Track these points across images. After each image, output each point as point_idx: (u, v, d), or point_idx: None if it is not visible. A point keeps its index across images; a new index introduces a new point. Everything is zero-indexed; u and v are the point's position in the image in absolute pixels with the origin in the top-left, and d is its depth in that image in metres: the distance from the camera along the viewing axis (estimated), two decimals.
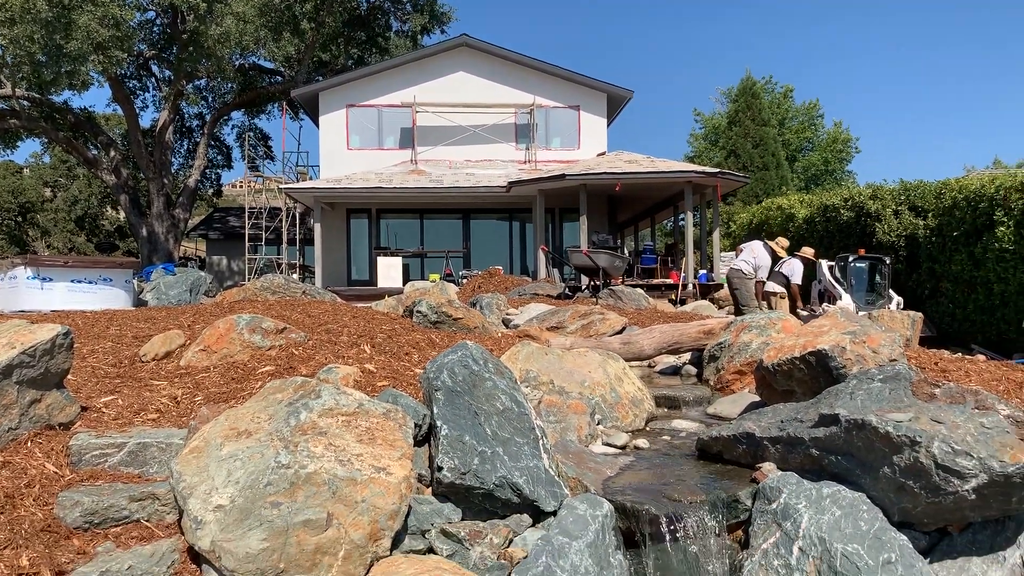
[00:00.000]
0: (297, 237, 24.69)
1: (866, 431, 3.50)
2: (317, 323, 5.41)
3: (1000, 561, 3.46)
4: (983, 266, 14.77)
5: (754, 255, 11.49)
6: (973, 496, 3.26)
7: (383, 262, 20.04)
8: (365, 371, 4.18)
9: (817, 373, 4.71)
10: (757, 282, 11.47)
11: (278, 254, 24.11)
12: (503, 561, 3.31)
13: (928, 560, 3.53)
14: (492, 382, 3.84)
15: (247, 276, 23.43)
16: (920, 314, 9.39)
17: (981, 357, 6.16)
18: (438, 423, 3.53)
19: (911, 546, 3.45)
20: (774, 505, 3.67)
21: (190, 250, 39.29)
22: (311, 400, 3.27)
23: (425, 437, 3.68)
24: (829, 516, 3.54)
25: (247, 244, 24.67)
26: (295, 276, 21.14)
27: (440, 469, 3.42)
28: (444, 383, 3.66)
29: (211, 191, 35.78)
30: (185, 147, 33.56)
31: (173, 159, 30.29)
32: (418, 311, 6.36)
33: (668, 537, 3.67)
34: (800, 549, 3.51)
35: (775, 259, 11.97)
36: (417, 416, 3.60)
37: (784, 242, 12.25)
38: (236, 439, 3.11)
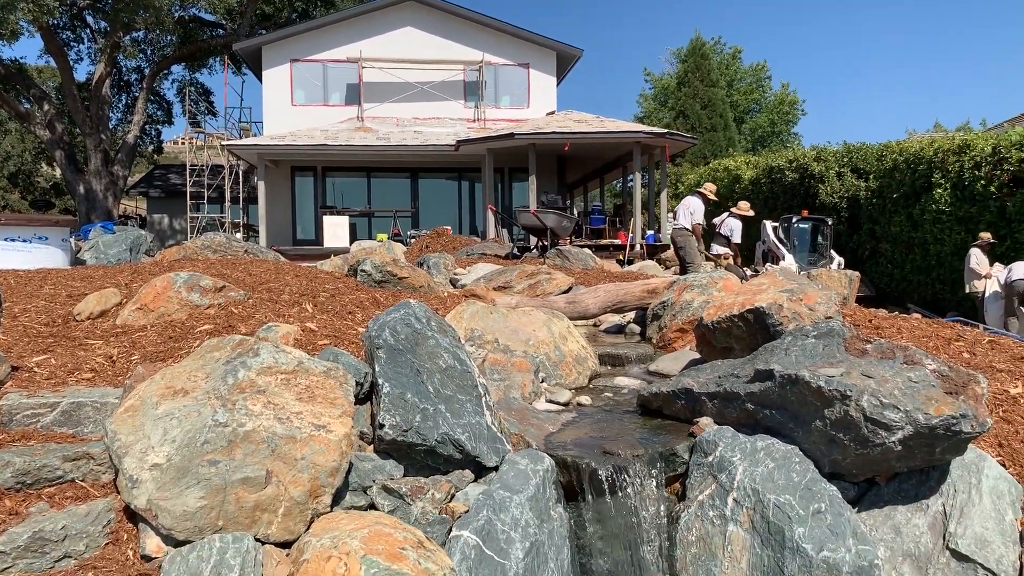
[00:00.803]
0: (241, 195, 24.22)
1: (799, 386, 3.59)
2: (258, 282, 5.33)
3: (924, 509, 3.60)
4: (921, 227, 15.17)
5: (689, 209, 11.59)
6: (899, 447, 3.38)
7: (329, 221, 19.79)
8: (306, 330, 4.15)
9: (755, 330, 4.80)
10: (695, 225, 11.54)
11: (221, 213, 23.65)
12: (444, 516, 3.35)
13: (856, 509, 3.65)
14: (435, 340, 3.84)
15: (189, 235, 22.96)
16: (857, 273, 9.61)
17: (916, 316, 6.34)
18: (380, 381, 3.52)
19: (840, 496, 3.58)
20: (710, 458, 3.76)
21: (130, 208, 38.27)
22: (249, 358, 3.23)
23: (367, 395, 3.67)
24: (763, 468, 3.64)
25: (189, 202, 24.12)
26: (238, 235, 20.75)
27: (382, 426, 3.42)
28: (386, 341, 3.65)
29: (151, 148, 34.78)
30: (123, 102, 32.48)
31: (111, 114, 29.30)
32: (363, 270, 6.31)
33: (607, 490, 3.74)
34: (735, 500, 3.61)
35: (708, 207, 12.02)
36: (359, 374, 3.59)
37: (711, 187, 12.33)
38: (172, 398, 3.07)
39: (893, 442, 3.35)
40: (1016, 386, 4.22)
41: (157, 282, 4.52)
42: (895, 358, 3.74)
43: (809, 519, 3.45)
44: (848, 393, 3.43)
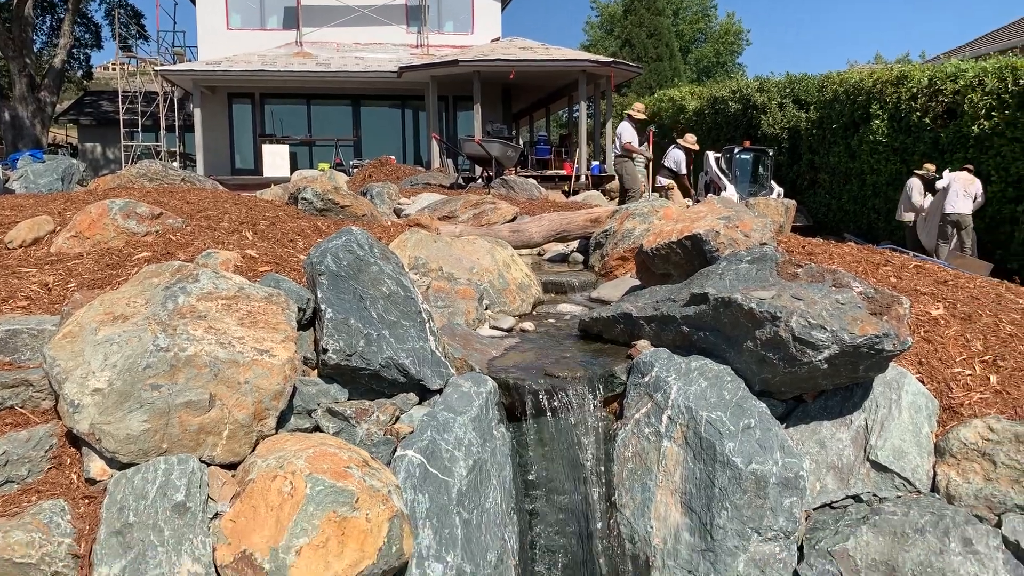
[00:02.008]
0: (176, 123, 23.45)
1: (732, 308, 3.72)
2: (196, 210, 5.25)
3: (847, 424, 3.79)
4: (858, 158, 15.49)
5: (619, 133, 11.65)
6: (826, 366, 3.53)
7: (268, 150, 19.36)
8: (246, 256, 4.12)
9: (692, 256, 4.91)
10: (625, 144, 11.60)
11: (156, 141, 22.93)
12: (389, 437, 3.42)
13: (784, 425, 3.83)
14: (378, 267, 3.86)
15: (124, 164, 22.24)
16: (793, 202, 9.78)
17: (850, 244, 6.54)
18: (322, 307, 3.54)
19: (769, 412, 3.74)
20: (646, 378, 3.89)
21: (60, 137, 36.82)
22: (189, 284, 3.22)
23: (310, 321, 3.69)
24: (696, 387, 3.78)
25: (122, 131, 23.29)
26: (175, 164, 20.22)
27: (325, 351, 3.46)
28: (328, 267, 3.66)
29: (80, 73, 33.34)
30: (48, 24, 30.95)
31: (35, 37, 27.93)
32: (303, 198, 6.24)
33: (548, 411, 3.85)
34: (669, 418, 3.76)
35: (639, 128, 12.07)
36: (301, 300, 3.60)
37: (639, 106, 12.36)
38: (112, 323, 3.05)
39: (820, 361, 3.51)
40: (937, 308, 4.42)
41: (92, 209, 4.42)
42: (824, 281, 3.88)
43: (739, 434, 3.61)
44: (778, 315, 3.56)
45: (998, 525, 3.46)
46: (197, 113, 19.75)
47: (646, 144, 13.15)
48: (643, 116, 12.18)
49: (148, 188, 6.94)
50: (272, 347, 3.15)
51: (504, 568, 3.48)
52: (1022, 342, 4.13)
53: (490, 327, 5.11)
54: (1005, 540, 3.40)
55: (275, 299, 3.37)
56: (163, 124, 22.60)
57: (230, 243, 4.42)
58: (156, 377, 2.89)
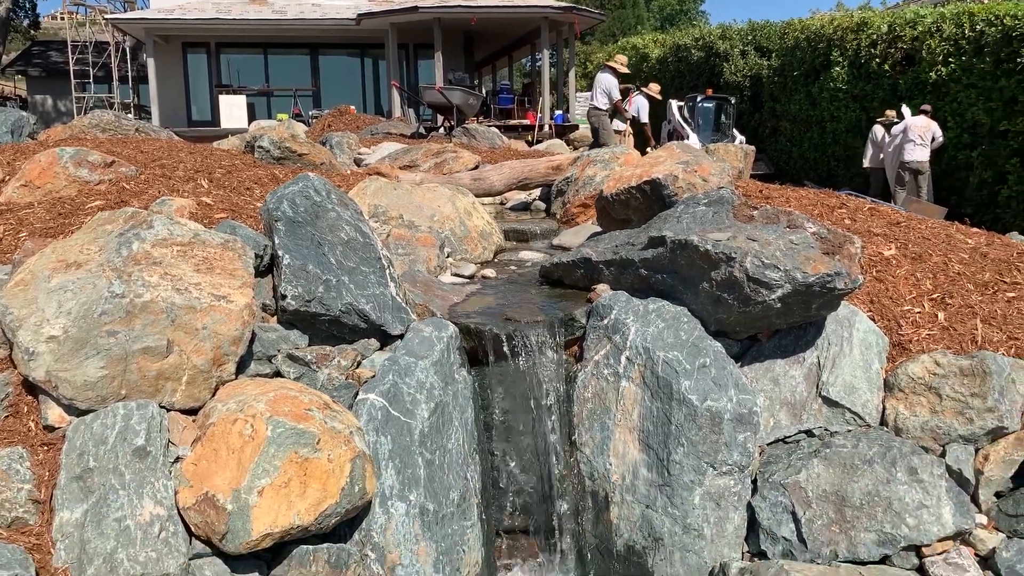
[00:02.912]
0: (130, 75, 22.82)
1: (688, 250, 3.76)
2: (151, 159, 5.15)
3: (800, 362, 3.89)
4: (818, 105, 15.57)
5: (602, 85, 11.46)
6: (779, 305, 3.61)
7: (225, 101, 18.96)
8: (202, 204, 4.08)
9: (651, 201, 4.95)
10: (617, 103, 11.48)
11: (109, 93, 22.32)
12: (351, 381, 3.44)
13: (739, 364, 3.92)
14: (336, 213, 3.84)
15: (76, 117, 21.64)
16: (752, 148, 9.86)
17: (808, 188, 6.61)
18: (280, 253, 3.52)
19: (724, 352, 3.82)
20: (605, 321, 3.95)
21: (8, 89, 35.67)
22: (143, 230, 3.18)
23: (268, 268, 3.67)
24: (654, 328, 3.84)
25: (73, 82, 22.61)
26: (130, 116, 19.73)
27: (284, 297, 3.45)
28: (285, 213, 3.63)
29: (27, 23, 32.17)
30: None
31: None
32: (260, 147, 6.15)
33: (509, 354, 3.90)
34: (627, 359, 3.82)
35: (620, 80, 11.91)
36: (258, 247, 3.58)
37: (622, 59, 12.25)
38: (65, 271, 3.01)
39: (773, 300, 3.58)
40: (890, 248, 4.51)
41: (42, 158, 4.32)
42: (779, 223, 3.94)
43: (695, 373, 3.69)
44: (733, 255, 3.61)
45: (942, 455, 3.60)
46: (151, 63, 19.23)
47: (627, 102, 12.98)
48: (626, 70, 12.03)
49: (101, 139, 6.79)
50: (229, 293, 3.14)
51: (467, 506, 3.55)
52: (970, 280, 4.25)
53: (452, 274, 5.13)
54: (948, 469, 3.53)
55: (231, 245, 3.35)
56: (116, 75, 21.98)
57: (185, 191, 4.36)
58: (112, 323, 2.87)
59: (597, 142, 11.53)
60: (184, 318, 2.98)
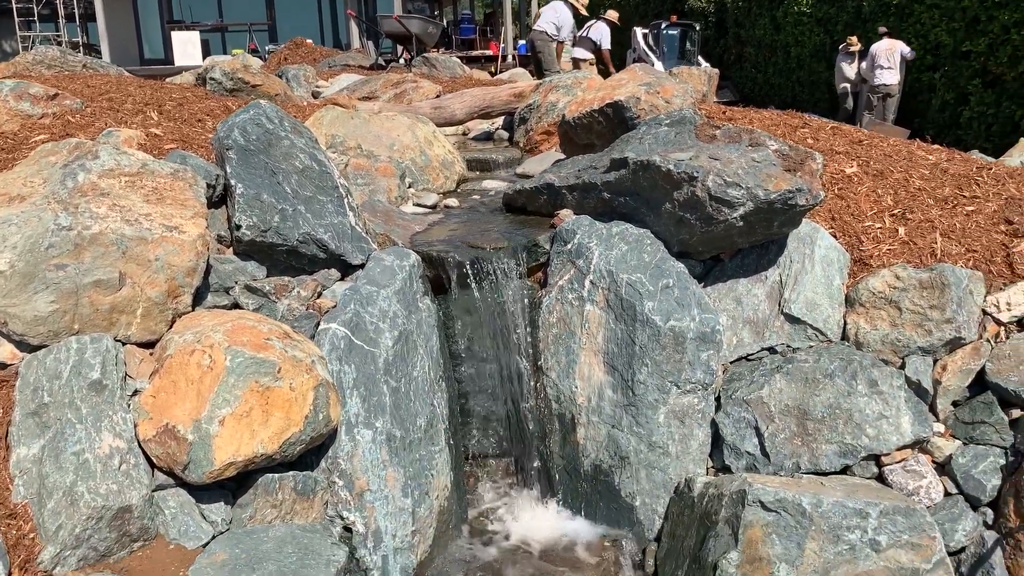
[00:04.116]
0: (77, 12, 21.94)
1: (651, 171, 3.72)
2: (98, 93, 4.97)
3: (762, 280, 3.90)
4: (783, 30, 15.44)
5: (556, 15, 11.17)
6: (741, 223, 3.59)
7: (178, 37, 18.36)
8: (151, 135, 3.94)
9: (614, 124, 4.88)
10: (559, 44, 11.25)
11: (56, 31, 21.49)
12: (312, 311, 3.40)
13: (703, 284, 3.93)
14: (289, 140, 3.74)
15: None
16: (716, 71, 9.75)
17: (772, 110, 6.55)
18: (233, 182, 3.43)
19: (687, 272, 3.82)
20: (569, 246, 3.92)
21: None
22: (88, 161, 3.07)
23: (221, 198, 3.58)
24: (617, 251, 3.83)
25: (17, 20, 21.71)
26: (77, 53, 19.05)
27: (239, 227, 3.37)
28: (236, 141, 3.53)
29: None
30: None
31: None
32: (211, 78, 5.96)
33: (473, 281, 3.87)
34: (591, 282, 3.81)
35: (579, 20, 11.65)
36: (210, 177, 3.48)
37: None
38: (9, 204, 2.91)
39: (735, 218, 3.56)
40: (851, 166, 4.51)
41: None
42: (741, 141, 3.90)
43: (658, 294, 3.69)
44: (695, 174, 3.58)
45: (902, 367, 3.65)
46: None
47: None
48: (585, 12, 11.73)
49: (46, 75, 6.53)
50: (181, 223, 3.05)
51: (434, 432, 3.56)
52: (930, 195, 4.26)
53: (413, 204, 5.05)
54: (908, 380, 3.59)
55: (182, 175, 3.25)
56: (62, 12, 21.12)
57: (134, 123, 4.22)
58: (60, 257, 2.78)
59: (539, 65, 11.21)
60: (135, 250, 2.90)
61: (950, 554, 3.29)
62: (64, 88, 4.92)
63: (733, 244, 3.85)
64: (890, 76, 11.90)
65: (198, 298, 3.16)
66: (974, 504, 3.43)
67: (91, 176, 3.02)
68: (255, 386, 2.71)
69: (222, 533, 2.73)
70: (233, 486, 2.83)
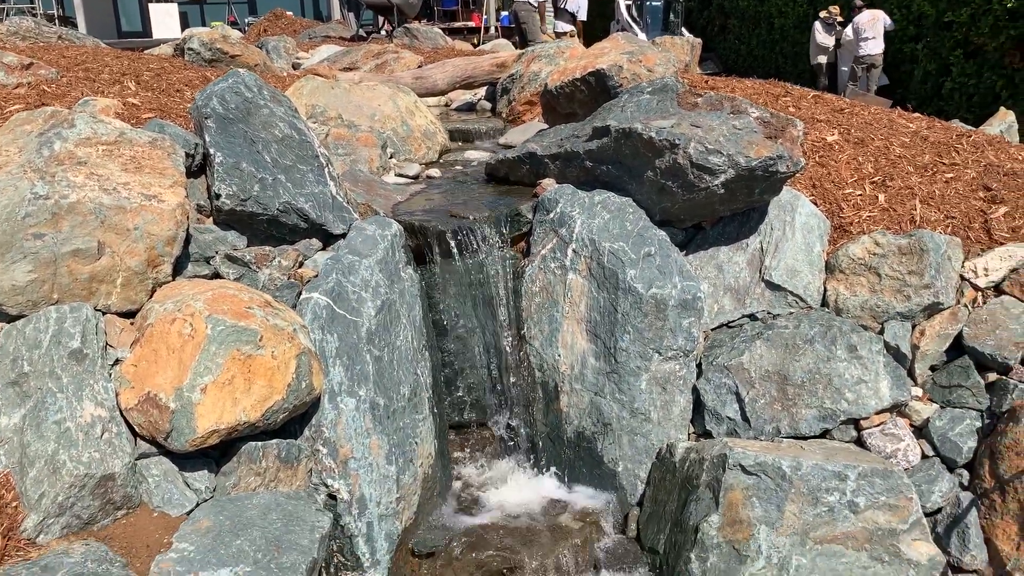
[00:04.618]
0: None
1: (633, 138, 3.72)
2: (74, 63, 4.90)
3: (743, 248, 3.92)
4: (767, 1, 15.38)
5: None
6: (722, 191, 3.60)
7: (156, 9, 18.10)
8: (128, 105, 3.90)
9: (597, 93, 4.87)
10: (540, 3, 11.15)
11: (31, 3, 21.10)
12: (293, 281, 3.38)
13: (684, 252, 3.94)
14: (269, 109, 3.70)
15: None
16: (699, 40, 9.72)
17: (754, 79, 6.54)
18: (212, 151, 3.40)
19: (669, 240, 3.83)
20: (551, 215, 3.92)
21: None
22: (65, 129, 3.03)
23: (200, 168, 3.55)
24: (599, 220, 3.83)
25: None
26: (52, 25, 18.73)
27: (218, 197, 3.35)
28: (215, 110, 3.49)
29: None
30: None
31: None
32: (190, 49, 5.88)
33: (456, 251, 3.86)
34: (574, 251, 3.81)
35: None
36: (188, 146, 3.45)
37: None
38: None
39: (716, 185, 3.57)
40: (832, 134, 4.52)
41: None
42: (723, 109, 3.90)
43: (640, 262, 3.70)
44: (677, 142, 3.58)
45: (881, 332, 3.69)
46: None
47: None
48: None
49: (21, 46, 6.42)
50: (160, 192, 3.03)
51: (418, 401, 3.57)
52: (910, 163, 4.29)
53: (395, 174, 5.03)
54: (886, 345, 3.63)
55: (160, 144, 3.22)
56: None
57: (111, 93, 4.17)
58: (38, 226, 2.76)
59: (523, 36, 11.14)
60: (114, 219, 2.87)
61: (927, 515, 3.35)
62: (39, 58, 4.85)
63: (715, 212, 3.87)
64: (875, 46, 11.89)
65: (178, 268, 3.14)
66: (950, 466, 3.49)
67: (68, 145, 2.98)
68: (237, 354, 2.70)
69: (206, 501, 2.73)
70: (216, 454, 2.84)
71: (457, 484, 3.85)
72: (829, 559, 3.14)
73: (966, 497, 3.37)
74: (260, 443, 2.87)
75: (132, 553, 2.47)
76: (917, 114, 5.10)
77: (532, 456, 3.95)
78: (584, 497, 3.76)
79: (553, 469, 3.89)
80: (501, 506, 3.72)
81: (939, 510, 3.42)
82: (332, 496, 3.14)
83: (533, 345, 3.89)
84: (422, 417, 3.58)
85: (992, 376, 3.52)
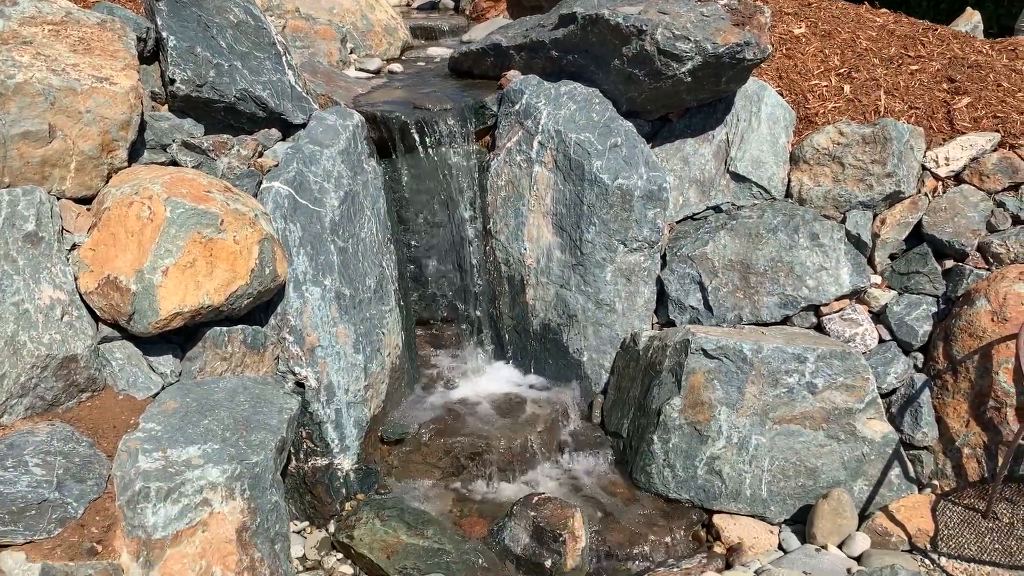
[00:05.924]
0: None
1: (599, 25, 3.65)
2: None
3: (710, 140, 3.91)
4: None
5: None
6: (689, 79, 3.57)
7: None
8: None
9: None
10: None
11: None
12: (253, 170, 3.31)
13: (651, 145, 3.92)
14: None
15: None
16: None
17: None
18: (164, 35, 3.27)
19: (635, 131, 3.81)
20: (517, 106, 3.86)
21: None
22: (7, 7, 2.89)
23: (153, 53, 3.42)
24: (565, 111, 3.78)
25: None
26: None
27: (173, 82, 3.24)
28: None
29: None
30: None
31: None
32: None
33: (419, 144, 3.80)
34: (540, 143, 3.77)
35: None
36: (140, 29, 3.31)
37: None
38: None
39: (683, 73, 3.53)
40: (800, 27, 4.48)
41: None
42: None
43: (606, 153, 3.68)
44: (644, 28, 3.52)
45: (843, 222, 3.73)
46: None
47: None
48: None
49: None
50: (112, 75, 2.92)
51: (384, 292, 3.56)
52: (876, 55, 4.27)
53: (356, 69, 4.91)
54: (848, 233, 3.68)
55: (110, 25, 3.08)
56: None
57: None
58: None
59: None
60: (64, 101, 2.77)
61: (882, 396, 3.46)
62: None
63: (682, 102, 3.83)
64: None
65: (134, 154, 3.05)
66: (906, 349, 3.58)
67: (11, 23, 2.85)
68: (197, 237, 2.66)
69: (172, 384, 2.72)
70: (181, 340, 2.82)
71: (425, 376, 3.89)
72: (787, 438, 3.24)
73: (920, 379, 3.47)
74: (225, 328, 2.85)
75: (99, 434, 2.47)
76: (885, 9, 5.06)
77: (499, 349, 3.98)
78: (550, 387, 3.82)
79: (520, 361, 3.94)
80: (468, 397, 3.77)
81: (894, 391, 3.53)
82: (300, 384, 3.15)
83: (499, 239, 3.88)
84: (388, 308, 3.58)
85: (949, 263, 3.60)
